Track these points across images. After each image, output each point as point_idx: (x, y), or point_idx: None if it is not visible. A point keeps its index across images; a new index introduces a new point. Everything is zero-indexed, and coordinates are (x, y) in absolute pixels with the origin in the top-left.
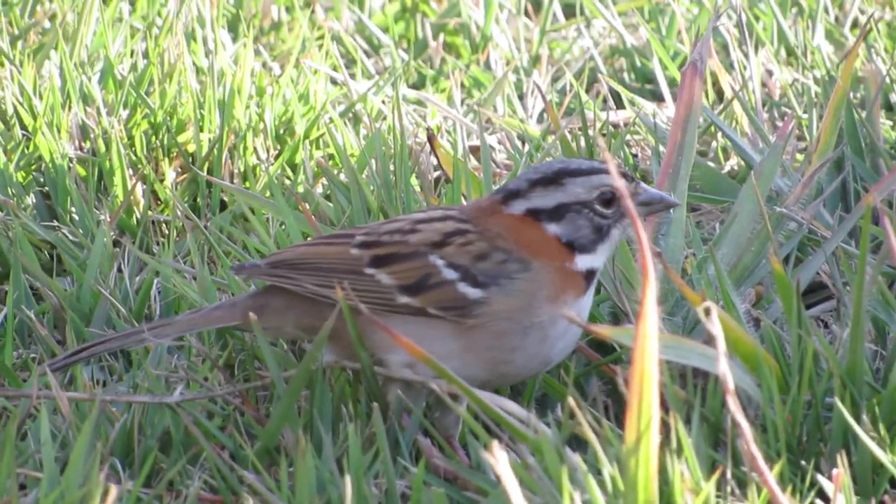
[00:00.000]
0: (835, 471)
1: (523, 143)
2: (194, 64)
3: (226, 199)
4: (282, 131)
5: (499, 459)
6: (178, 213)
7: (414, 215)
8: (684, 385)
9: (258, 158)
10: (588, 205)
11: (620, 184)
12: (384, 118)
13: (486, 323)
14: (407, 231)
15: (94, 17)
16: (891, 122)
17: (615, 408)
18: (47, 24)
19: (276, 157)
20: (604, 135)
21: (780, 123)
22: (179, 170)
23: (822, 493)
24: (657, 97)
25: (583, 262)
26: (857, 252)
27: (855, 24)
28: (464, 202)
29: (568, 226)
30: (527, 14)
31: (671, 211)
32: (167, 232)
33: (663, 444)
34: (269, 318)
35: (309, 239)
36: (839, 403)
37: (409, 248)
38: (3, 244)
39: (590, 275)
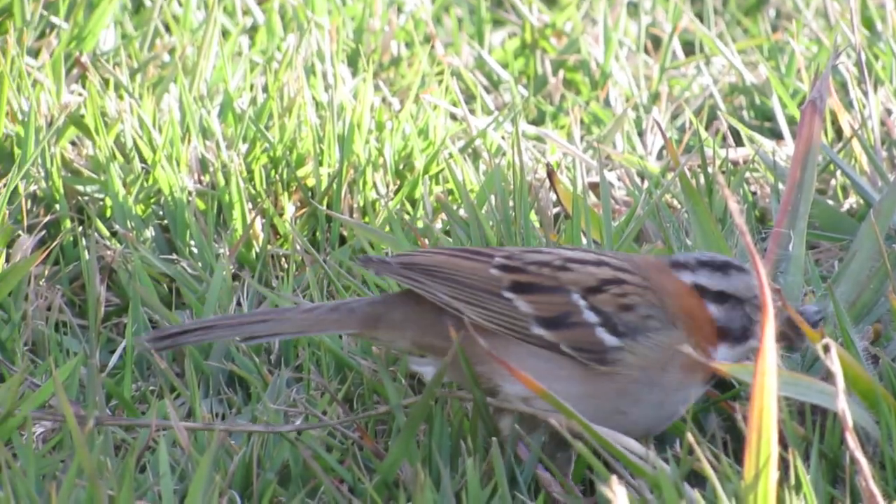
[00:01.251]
0: None
1: (642, 180)
2: (314, 98)
3: (345, 233)
4: (401, 166)
5: (618, 495)
6: (298, 247)
7: (562, 251)
8: (803, 422)
9: (377, 193)
10: (745, 302)
11: (759, 267)
12: (503, 154)
13: (617, 372)
14: (557, 267)
15: (214, 50)
16: None
17: (733, 444)
18: (167, 57)
19: (396, 192)
20: (723, 172)
21: None
22: (299, 204)
23: None
24: (776, 135)
25: (722, 353)
26: None
27: None
28: (613, 251)
29: (727, 312)
30: (646, 51)
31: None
32: (286, 266)
33: (781, 480)
34: (386, 329)
35: (438, 247)
36: None
37: (553, 281)
38: (122, 277)
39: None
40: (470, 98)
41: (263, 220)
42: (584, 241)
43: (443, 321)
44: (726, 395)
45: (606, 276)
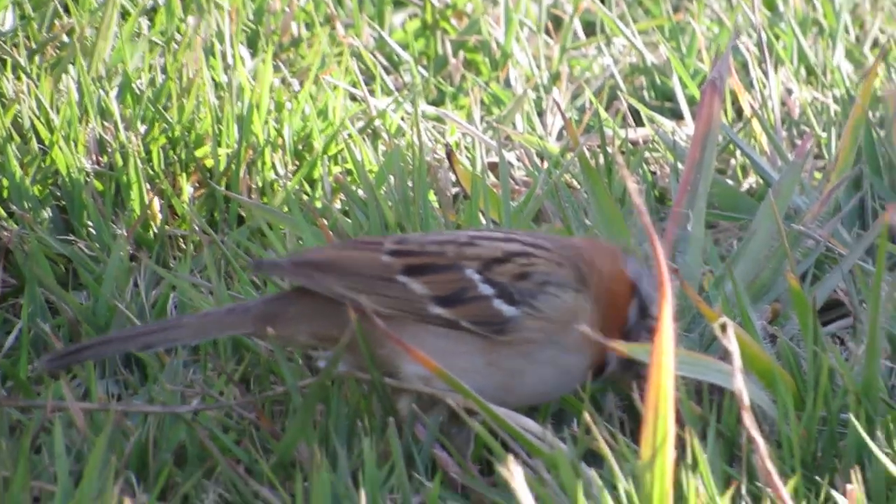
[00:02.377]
0: (849, 486)
1: (542, 160)
2: (213, 79)
3: (243, 214)
4: (300, 147)
5: (514, 474)
6: (196, 227)
7: (468, 231)
8: (700, 401)
9: (276, 174)
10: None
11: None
12: (403, 134)
13: (517, 339)
14: (462, 244)
15: (113, 31)
16: None
17: (631, 423)
18: (65, 38)
19: (295, 173)
20: (623, 152)
21: (798, 142)
22: (197, 185)
23: None
24: (676, 115)
25: (612, 356)
26: (874, 269)
27: (875, 44)
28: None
29: (640, 324)
30: (547, 32)
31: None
32: (184, 247)
33: (679, 459)
34: (284, 326)
35: (332, 243)
36: (854, 420)
37: (446, 260)
38: (18, 258)
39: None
40: (370, 79)
41: (161, 201)
42: (483, 221)
43: (341, 312)
44: (624, 374)
45: (515, 249)
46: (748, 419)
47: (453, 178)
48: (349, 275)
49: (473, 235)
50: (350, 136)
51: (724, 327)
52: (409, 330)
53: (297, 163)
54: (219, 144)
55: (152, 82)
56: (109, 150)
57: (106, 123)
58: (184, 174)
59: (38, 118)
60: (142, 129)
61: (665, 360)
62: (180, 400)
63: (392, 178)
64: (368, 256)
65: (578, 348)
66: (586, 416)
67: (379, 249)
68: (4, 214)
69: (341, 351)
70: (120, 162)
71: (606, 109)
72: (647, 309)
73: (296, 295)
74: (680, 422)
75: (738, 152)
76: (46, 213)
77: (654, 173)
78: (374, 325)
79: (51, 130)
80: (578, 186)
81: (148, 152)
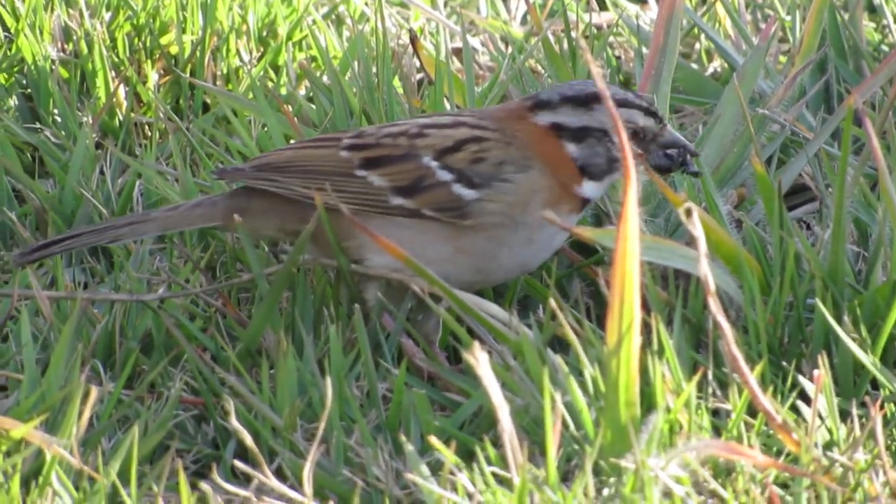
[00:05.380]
0: (816, 372)
1: (506, 45)
2: None
3: (208, 101)
4: (265, 33)
5: (480, 361)
6: (161, 115)
7: (418, 119)
8: (666, 286)
9: (241, 60)
10: (608, 134)
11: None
12: (367, 20)
13: (480, 222)
14: (414, 135)
15: None
16: (873, 24)
17: (597, 309)
18: None
19: (259, 60)
20: (587, 37)
21: (763, 25)
22: (162, 72)
23: (803, 395)
24: None
25: (588, 188)
26: (839, 153)
27: None
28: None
29: (586, 150)
30: None
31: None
32: (150, 134)
33: (645, 345)
34: (251, 219)
35: (293, 142)
36: (821, 305)
37: (401, 150)
38: None
39: (584, 201)
40: None
41: (127, 89)
42: (448, 106)
43: (306, 207)
44: (589, 260)
45: (464, 136)
46: (714, 305)
47: (417, 63)
48: (309, 173)
49: (423, 124)
50: (314, 22)
51: (689, 212)
52: (373, 223)
53: (261, 49)
54: (183, 31)
55: None
56: (75, 37)
57: (71, 11)
58: (149, 61)
59: (4, 6)
60: (107, 16)
61: (630, 245)
62: (146, 288)
63: (356, 65)
64: (327, 153)
65: (542, 223)
66: (552, 303)
67: (337, 145)
68: None
69: (306, 238)
70: (85, 49)
71: None
72: (583, 132)
73: (262, 190)
74: (646, 307)
75: (702, 36)
76: (12, 102)
77: (618, 58)
78: (338, 218)
79: (16, 18)
80: (542, 71)
81: (113, 40)
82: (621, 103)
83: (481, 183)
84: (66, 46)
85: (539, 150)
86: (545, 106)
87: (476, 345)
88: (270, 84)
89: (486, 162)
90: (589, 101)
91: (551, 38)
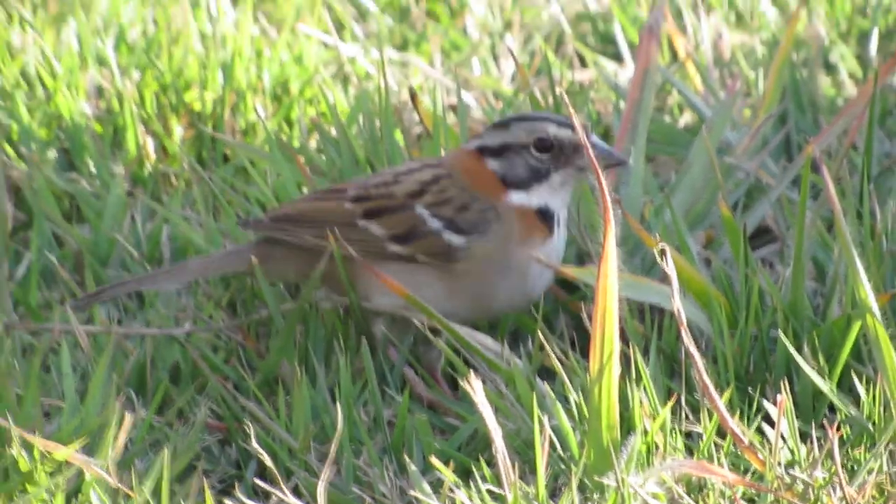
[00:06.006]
0: (779, 397)
1: (497, 100)
2: (199, 30)
3: (228, 153)
4: (278, 91)
5: (475, 389)
6: (185, 166)
7: (396, 168)
8: (643, 320)
9: (257, 116)
10: (525, 147)
11: (591, 155)
12: (371, 79)
13: (469, 267)
14: (390, 183)
15: None
16: (829, 80)
17: (581, 341)
18: None
19: (274, 115)
20: (569, 93)
21: (729, 81)
22: (186, 126)
23: (767, 418)
24: (618, 58)
25: (517, 197)
26: (799, 198)
27: None
28: (443, 153)
29: (504, 163)
30: None
31: (630, 161)
32: (175, 183)
33: (624, 373)
34: (273, 265)
35: (306, 194)
36: (783, 336)
37: (396, 200)
38: (27, 195)
39: (545, 217)
40: (341, 28)
41: (154, 142)
42: None
43: (320, 254)
44: (573, 296)
45: (426, 177)
46: (686, 337)
47: (417, 117)
48: (319, 224)
49: (398, 172)
50: (323, 80)
51: (663, 252)
52: (375, 267)
53: (275, 105)
54: (205, 89)
55: (144, 33)
56: (107, 95)
57: (104, 71)
58: (174, 117)
59: (43, 67)
60: (136, 76)
61: (610, 283)
62: (174, 323)
63: (361, 119)
64: (333, 206)
65: (527, 258)
66: (540, 335)
67: (343, 197)
68: (14, 155)
69: (317, 277)
70: (117, 106)
71: (555, 54)
72: (502, 148)
73: (281, 239)
74: (625, 339)
75: (674, 91)
76: (51, 154)
77: (598, 112)
78: (345, 262)
79: (54, 78)
80: None
81: (141, 97)
82: (534, 118)
83: (467, 230)
84: (99, 103)
85: (467, 172)
86: (476, 136)
87: (472, 374)
88: (284, 137)
89: (470, 210)
90: (508, 122)
91: (538, 93)
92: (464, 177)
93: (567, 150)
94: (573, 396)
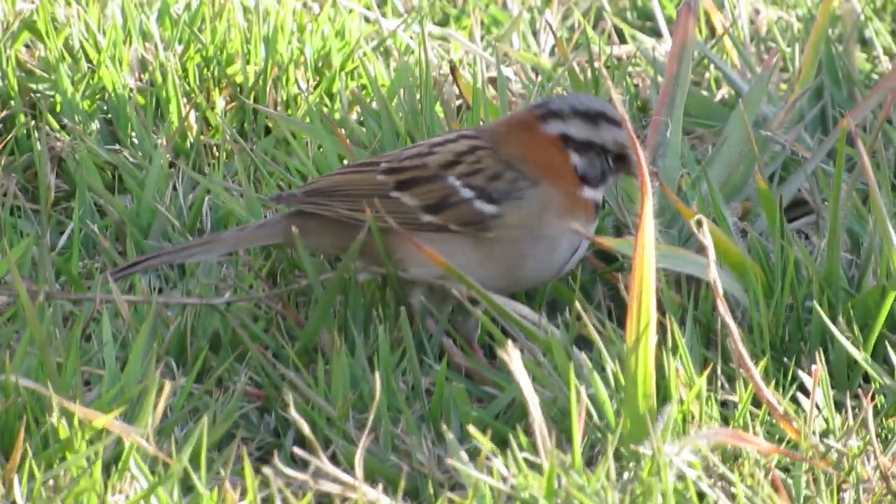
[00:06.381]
0: (814, 367)
1: (536, 75)
2: (241, 4)
3: (270, 125)
4: (320, 64)
5: (513, 358)
6: (227, 137)
7: (432, 139)
8: (679, 290)
9: (299, 88)
10: (608, 152)
11: (640, 153)
12: (412, 52)
13: (502, 235)
14: (425, 154)
15: None
16: (865, 55)
17: (617, 311)
18: None
19: (315, 88)
20: (608, 67)
21: (765, 56)
22: (228, 99)
23: (802, 387)
24: (656, 33)
25: (587, 192)
26: (834, 171)
27: None
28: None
29: (587, 161)
30: None
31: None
32: (217, 154)
33: (660, 343)
34: (308, 237)
35: (338, 167)
36: (818, 307)
37: (428, 171)
38: (70, 166)
39: (595, 206)
40: (382, 2)
41: (197, 114)
42: None
43: (352, 225)
44: (611, 266)
45: (462, 148)
46: (722, 307)
47: (457, 91)
48: (352, 196)
49: (432, 143)
50: (364, 54)
51: (699, 224)
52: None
53: (317, 79)
54: (247, 62)
55: (188, 7)
56: (150, 68)
57: (147, 44)
58: (216, 89)
59: (87, 40)
60: (179, 49)
61: (647, 254)
62: (214, 293)
63: (402, 92)
64: (366, 177)
65: (562, 231)
66: (577, 305)
67: (374, 170)
68: (57, 126)
69: (357, 249)
70: (160, 79)
71: (593, 28)
72: (587, 145)
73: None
74: (661, 309)
75: (711, 66)
76: (95, 126)
77: (636, 86)
78: (381, 233)
79: (98, 51)
80: None
81: (184, 70)
82: (614, 120)
83: (499, 198)
84: (142, 76)
85: (541, 159)
86: (556, 116)
87: (509, 343)
88: (325, 110)
89: (502, 179)
90: (598, 118)
91: (577, 68)
92: (529, 161)
93: (629, 160)
94: (610, 366)
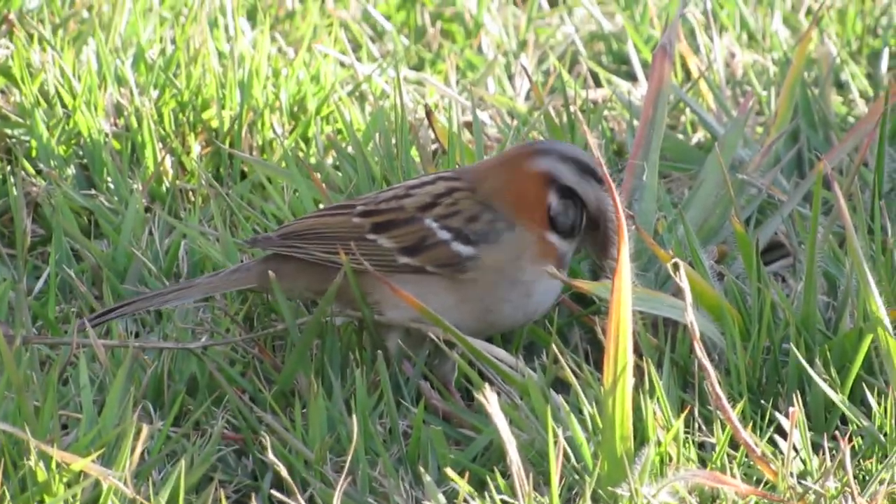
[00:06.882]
0: (791, 409)
1: (512, 119)
2: (217, 49)
3: (245, 169)
4: (295, 109)
5: (490, 400)
6: (203, 182)
7: (408, 182)
8: (656, 333)
9: (274, 133)
10: (585, 207)
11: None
12: (387, 97)
13: (478, 277)
14: (401, 196)
15: (127, 7)
16: (840, 99)
17: (594, 354)
18: (85, 14)
19: (291, 132)
20: (584, 111)
21: (741, 100)
22: (204, 143)
23: (779, 429)
24: (632, 77)
25: (552, 237)
26: (811, 214)
27: (809, 11)
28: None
29: (562, 206)
30: (515, 4)
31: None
32: (193, 199)
33: (637, 386)
34: (283, 281)
35: (313, 211)
36: (794, 349)
37: (405, 213)
38: (46, 211)
39: (561, 257)
40: (357, 47)
41: (172, 159)
42: None
43: (328, 268)
44: (587, 310)
45: (440, 190)
46: (699, 349)
47: (432, 135)
48: (328, 239)
49: (409, 185)
50: (340, 98)
51: (676, 267)
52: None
53: (292, 123)
54: (223, 107)
55: (163, 52)
56: (125, 113)
57: (122, 90)
58: (192, 134)
59: (62, 86)
60: (154, 94)
61: (624, 297)
62: (191, 337)
63: (377, 136)
64: (342, 220)
65: (536, 275)
66: (554, 348)
67: (351, 212)
68: (33, 172)
69: (333, 292)
70: (135, 124)
71: (569, 72)
72: (569, 191)
73: (292, 255)
74: (638, 352)
75: (687, 110)
76: (70, 171)
77: (612, 129)
78: (356, 276)
79: (73, 96)
80: None
81: (160, 115)
82: (601, 183)
83: (476, 240)
84: (118, 121)
85: (517, 192)
86: (548, 154)
87: (486, 386)
88: (301, 154)
89: (479, 220)
90: (587, 171)
91: (552, 112)
92: (506, 199)
93: (601, 232)
94: (587, 408)
